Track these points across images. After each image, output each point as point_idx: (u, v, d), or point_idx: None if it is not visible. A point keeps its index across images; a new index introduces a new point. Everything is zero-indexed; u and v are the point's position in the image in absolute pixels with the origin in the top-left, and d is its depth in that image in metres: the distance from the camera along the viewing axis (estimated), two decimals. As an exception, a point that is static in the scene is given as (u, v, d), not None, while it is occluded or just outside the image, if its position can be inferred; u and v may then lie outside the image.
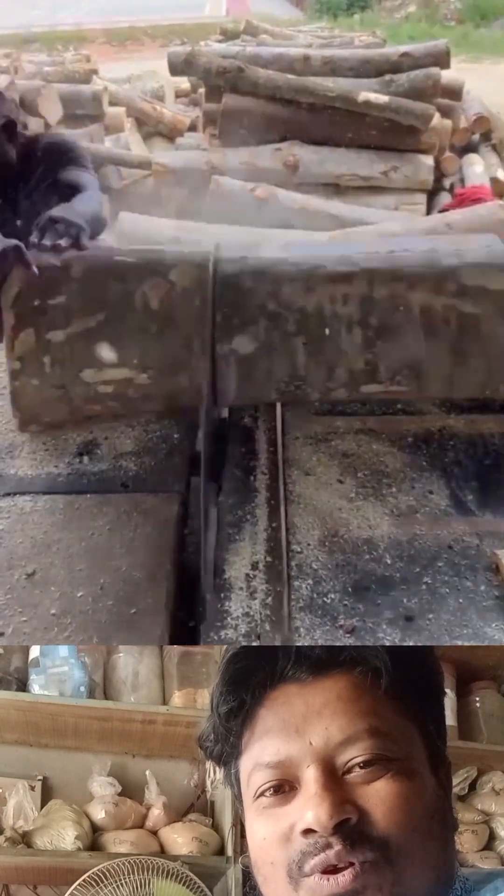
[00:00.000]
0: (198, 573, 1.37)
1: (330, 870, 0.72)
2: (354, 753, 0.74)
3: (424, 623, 1.27)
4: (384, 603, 1.30)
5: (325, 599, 1.31)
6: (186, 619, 1.39)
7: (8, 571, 1.39)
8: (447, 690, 2.61)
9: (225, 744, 0.81)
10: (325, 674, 0.77)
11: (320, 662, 0.77)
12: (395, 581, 1.34)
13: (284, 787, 0.76)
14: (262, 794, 0.77)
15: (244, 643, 1.24)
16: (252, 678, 0.78)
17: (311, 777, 0.74)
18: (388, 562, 1.38)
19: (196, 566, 1.41)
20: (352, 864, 0.71)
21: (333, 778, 0.74)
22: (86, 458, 1.67)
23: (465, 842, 2.49)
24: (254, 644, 1.23)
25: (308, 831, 0.73)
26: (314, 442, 1.69)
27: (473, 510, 1.50)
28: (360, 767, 0.74)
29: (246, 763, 0.79)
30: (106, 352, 1.55)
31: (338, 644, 1.22)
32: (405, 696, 0.77)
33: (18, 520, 1.51)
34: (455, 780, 2.60)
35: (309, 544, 1.42)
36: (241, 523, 1.49)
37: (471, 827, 2.52)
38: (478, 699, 2.75)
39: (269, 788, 0.76)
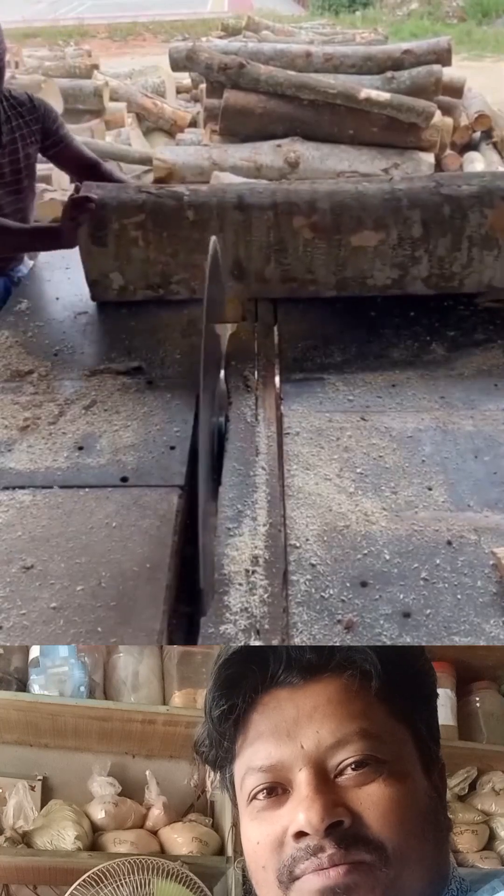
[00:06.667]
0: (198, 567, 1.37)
1: (322, 870, 0.71)
2: (345, 756, 0.74)
3: (422, 619, 1.26)
4: (382, 598, 1.29)
5: (323, 594, 1.30)
6: (188, 613, 1.38)
7: (7, 565, 1.38)
8: (447, 690, 2.60)
9: (219, 748, 0.81)
10: (316, 678, 0.77)
11: (311, 666, 0.77)
12: (393, 576, 1.33)
13: (277, 790, 0.76)
14: (254, 797, 0.77)
15: (243, 639, 1.23)
16: (243, 683, 0.78)
17: (302, 780, 0.74)
18: (387, 557, 1.37)
19: (198, 559, 1.40)
20: (345, 864, 0.71)
21: (325, 781, 0.74)
22: (85, 452, 1.66)
23: (465, 842, 2.48)
24: (254, 641, 1.22)
25: (300, 834, 0.72)
26: (314, 437, 1.68)
27: (472, 506, 1.49)
28: (352, 770, 0.74)
29: (239, 767, 0.79)
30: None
31: (335, 640, 1.21)
32: (396, 698, 0.77)
33: (17, 513, 1.50)
34: (455, 780, 2.59)
35: (307, 539, 1.41)
36: (241, 518, 1.48)
37: (471, 827, 2.51)
38: (478, 699, 2.75)
39: (261, 790, 0.76)
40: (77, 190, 2.17)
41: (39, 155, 2.51)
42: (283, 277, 2.12)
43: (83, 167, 2.53)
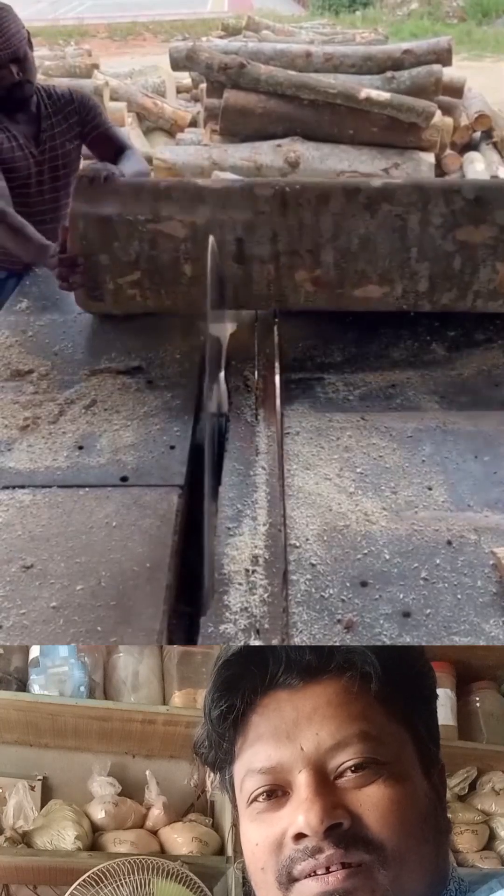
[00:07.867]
0: (198, 566, 1.37)
1: (321, 872, 0.71)
2: (345, 758, 0.74)
3: (422, 619, 1.26)
4: (382, 598, 1.29)
5: (323, 594, 1.30)
6: (188, 613, 1.38)
7: (6, 564, 1.38)
8: (447, 690, 2.60)
9: (218, 750, 0.81)
10: (316, 679, 0.77)
11: (311, 668, 0.77)
12: (393, 576, 1.33)
13: (277, 793, 0.76)
14: (254, 799, 0.77)
15: (243, 638, 1.23)
16: (243, 684, 0.78)
17: (302, 782, 0.74)
18: (387, 557, 1.37)
19: (196, 559, 1.40)
20: (343, 866, 0.71)
21: (325, 783, 0.73)
22: (85, 452, 1.66)
23: (465, 842, 2.48)
24: (253, 641, 1.22)
25: (299, 836, 0.72)
26: (314, 437, 1.68)
27: (472, 506, 1.50)
28: (352, 772, 0.74)
29: (239, 769, 0.79)
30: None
31: (335, 640, 1.21)
32: (396, 699, 0.77)
33: (17, 513, 1.50)
34: (455, 780, 2.59)
35: (307, 539, 1.41)
36: (241, 517, 1.48)
37: (471, 827, 2.51)
38: (478, 699, 2.75)
39: (261, 794, 0.76)
40: (64, 239, 2.01)
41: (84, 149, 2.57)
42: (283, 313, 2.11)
43: (112, 152, 2.54)
